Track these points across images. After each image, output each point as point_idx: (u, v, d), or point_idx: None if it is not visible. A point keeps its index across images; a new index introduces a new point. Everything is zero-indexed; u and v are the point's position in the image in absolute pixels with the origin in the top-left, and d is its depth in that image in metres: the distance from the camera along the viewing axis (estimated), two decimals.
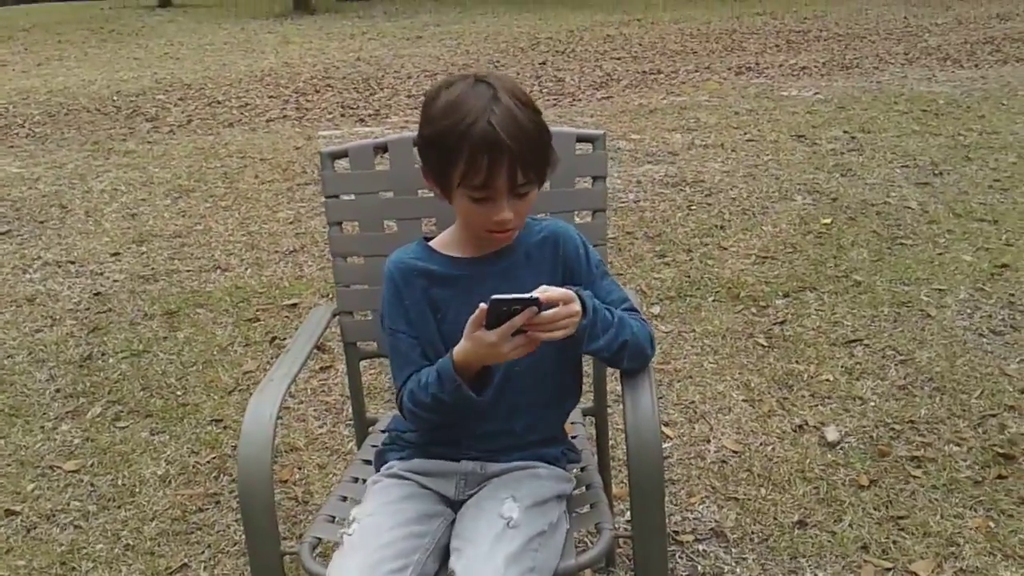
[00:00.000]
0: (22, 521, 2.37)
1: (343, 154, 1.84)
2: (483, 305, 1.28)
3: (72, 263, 4.16)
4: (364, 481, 1.64)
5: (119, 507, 2.41)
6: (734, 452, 2.50)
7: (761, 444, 2.53)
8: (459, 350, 1.35)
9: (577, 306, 1.36)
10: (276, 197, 5.03)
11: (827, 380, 2.85)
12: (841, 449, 2.48)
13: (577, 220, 1.88)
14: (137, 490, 2.48)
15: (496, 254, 1.49)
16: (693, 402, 2.77)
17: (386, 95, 8.22)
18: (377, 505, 1.44)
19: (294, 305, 3.59)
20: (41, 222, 4.75)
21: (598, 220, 1.86)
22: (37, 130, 7.14)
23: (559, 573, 1.36)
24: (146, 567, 2.17)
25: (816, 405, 2.71)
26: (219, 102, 7.96)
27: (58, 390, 3.04)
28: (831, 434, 2.55)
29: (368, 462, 1.75)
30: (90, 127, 7.12)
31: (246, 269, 4.00)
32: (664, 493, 1.44)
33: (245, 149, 6.04)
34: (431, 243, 1.53)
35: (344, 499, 1.62)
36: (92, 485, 2.51)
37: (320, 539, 1.50)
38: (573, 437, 1.77)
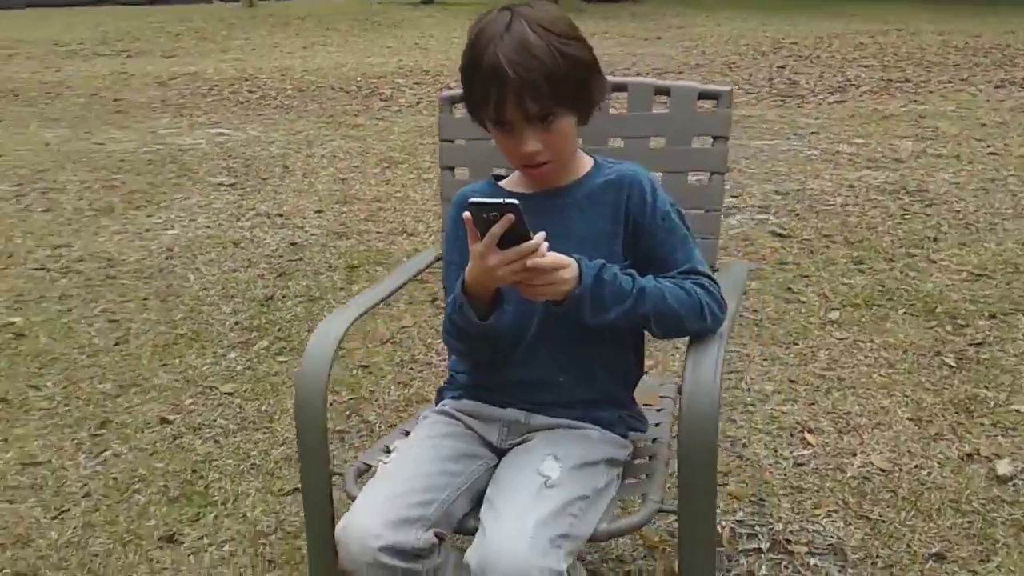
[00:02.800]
0: (172, 430, 2.56)
1: (461, 99, 1.82)
2: (466, 214, 1.22)
3: (280, 215, 4.47)
4: None
5: (256, 430, 2.55)
6: (881, 470, 2.24)
7: (916, 467, 2.25)
8: (468, 268, 1.30)
9: (568, 273, 1.26)
10: None
11: (1016, 411, 2.49)
12: (1012, 486, 2.16)
13: (692, 181, 1.76)
14: (276, 418, 2.61)
15: (556, 192, 1.42)
16: (849, 413, 2.52)
17: None
18: (419, 439, 1.43)
19: None
20: (264, 179, 5.15)
21: (715, 183, 1.73)
22: (286, 102, 7.77)
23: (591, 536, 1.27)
24: (263, 485, 2.28)
25: (995, 436, 2.37)
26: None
27: (237, 323, 3.27)
28: (1004, 468, 2.22)
29: None
30: (331, 103, 7.65)
31: (430, 236, 4.11)
32: (715, 471, 1.30)
33: None
34: (501, 181, 1.48)
35: (406, 433, 1.60)
36: (240, 408, 2.67)
37: (369, 465, 1.50)
38: (659, 410, 1.65)
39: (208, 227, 4.30)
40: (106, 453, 2.45)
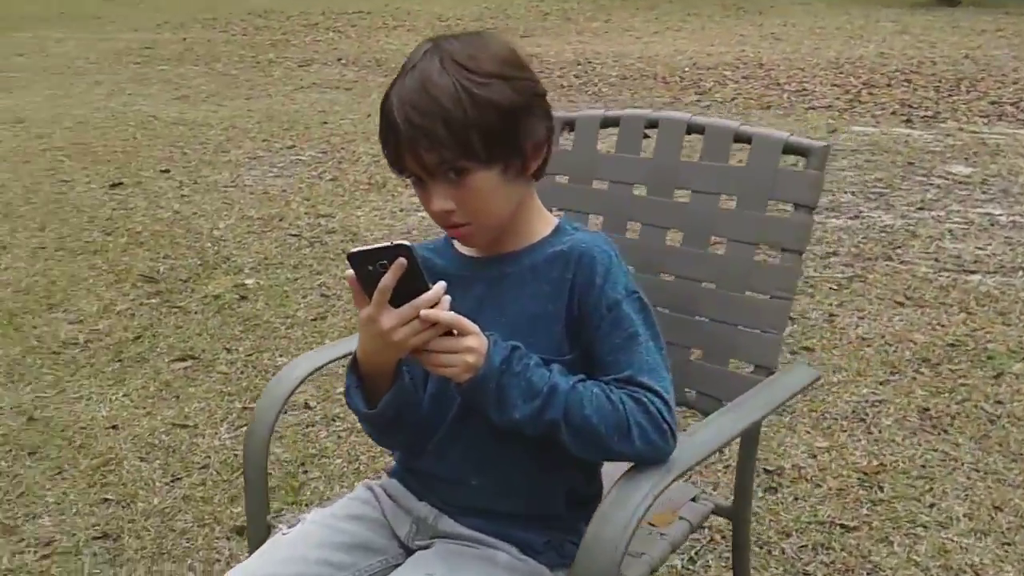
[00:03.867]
0: (308, 416, 2.63)
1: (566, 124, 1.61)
2: (349, 272, 1.03)
3: None
4: None
5: None
6: None
7: None
8: (359, 342, 1.12)
9: (474, 342, 1.03)
10: None
11: None
12: None
13: (759, 258, 1.39)
14: None
15: (501, 259, 1.19)
16: None
17: (969, 98, 7.10)
18: (327, 515, 1.29)
19: None
20: None
21: (787, 263, 1.36)
22: (604, 90, 7.72)
23: None
24: None
25: None
26: (778, 84, 7.70)
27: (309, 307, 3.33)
28: None
29: None
30: (644, 92, 7.47)
31: None
32: None
33: None
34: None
35: None
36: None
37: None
38: (662, 535, 1.34)
39: None
40: (244, 428, 2.58)
